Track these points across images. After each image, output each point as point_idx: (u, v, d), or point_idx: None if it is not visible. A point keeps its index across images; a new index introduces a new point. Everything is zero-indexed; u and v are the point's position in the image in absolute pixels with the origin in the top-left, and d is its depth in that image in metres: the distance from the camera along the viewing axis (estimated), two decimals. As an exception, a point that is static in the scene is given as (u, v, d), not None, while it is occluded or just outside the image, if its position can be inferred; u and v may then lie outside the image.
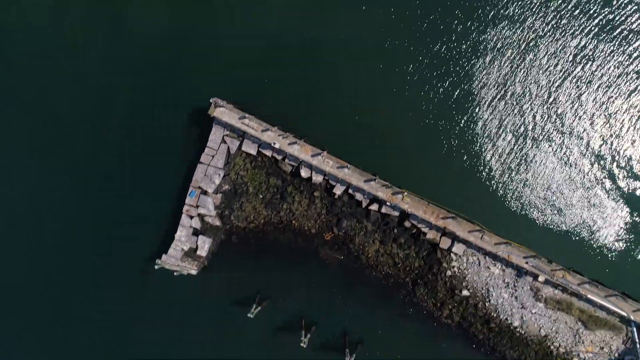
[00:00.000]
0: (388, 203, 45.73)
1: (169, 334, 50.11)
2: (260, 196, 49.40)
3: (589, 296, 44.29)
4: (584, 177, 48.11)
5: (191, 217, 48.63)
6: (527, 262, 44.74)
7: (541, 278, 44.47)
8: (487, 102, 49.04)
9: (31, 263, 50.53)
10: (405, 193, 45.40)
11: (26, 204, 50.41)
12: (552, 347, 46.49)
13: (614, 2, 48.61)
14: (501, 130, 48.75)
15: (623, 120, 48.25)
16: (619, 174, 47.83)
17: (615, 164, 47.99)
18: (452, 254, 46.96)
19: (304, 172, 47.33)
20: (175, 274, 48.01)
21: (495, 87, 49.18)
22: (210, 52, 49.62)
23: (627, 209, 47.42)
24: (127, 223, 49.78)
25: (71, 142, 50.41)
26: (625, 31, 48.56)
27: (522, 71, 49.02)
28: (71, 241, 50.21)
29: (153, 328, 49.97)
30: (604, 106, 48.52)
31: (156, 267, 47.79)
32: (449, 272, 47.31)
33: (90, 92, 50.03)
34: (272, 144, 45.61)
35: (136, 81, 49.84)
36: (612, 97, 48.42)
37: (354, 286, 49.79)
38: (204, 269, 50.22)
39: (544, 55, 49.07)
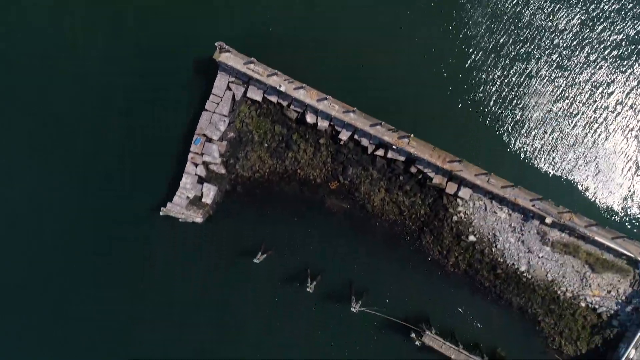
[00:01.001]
0: (394, 146, 45.55)
1: (175, 281, 50.01)
2: (266, 145, 49.20)
3: (596, 238, 44.15)
4: (589, 122, 47.97)
5: (196, 165, 48.44)
6: (533, 205, 44.59)
7: (548, 220, 44.30)
8: (492, 46, 48.77)
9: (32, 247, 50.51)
10: (412, 136, 45.21)
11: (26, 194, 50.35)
12: (559, 292, 46.38)
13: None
14: (506, 72, 48.52)
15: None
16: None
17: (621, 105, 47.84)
18: (458, 199, 46.80)
19: (310, 118, 47.15)
20: (180, 220, 47.78)
21: (502, 29, 48.99)
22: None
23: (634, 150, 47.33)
24: (131, 171, 49.61)
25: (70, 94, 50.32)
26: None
27: (528, 12, 48.85)
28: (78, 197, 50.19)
29: (160, 275, 49.93)
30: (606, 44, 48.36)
31: (161, 213, 47.55)
32: (455, 218, 47.15)
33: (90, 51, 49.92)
34: (278, 87, 45.38)
35: (141, 29, 49.61)
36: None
37: (360, 236, 49.62)
38: (209, 218, 50.01)
39: None
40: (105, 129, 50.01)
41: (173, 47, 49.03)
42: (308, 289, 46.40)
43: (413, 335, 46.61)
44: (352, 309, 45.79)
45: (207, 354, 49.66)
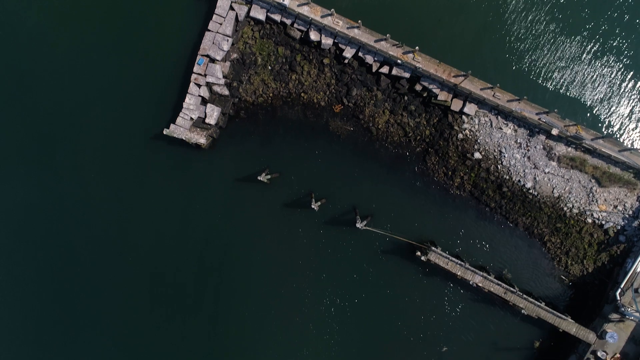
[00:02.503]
0: (399, 61, 45.17)
1: (181, 207, 49.78)
2: (269, 68, 48.85)
3: (602, 150, 43.82)
4: (595, 36, 47.52)
5: (199, 86, 48.11)
6: (539, 118, 44.24)
7: (554, 131, 43.97)
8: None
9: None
10: (417, 49, 44.83)
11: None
12: (565, 209, 46.08)
13: None
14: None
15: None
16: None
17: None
18: (463, 116, 46.47)
19: (314, 35, 46.79)
20: (184, 139, 47.53)
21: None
22: None
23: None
24: (134, 93, 49.30)
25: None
26: None
27: None
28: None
29: (164, 199, 49.71)
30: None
31: (165, 132, 47.28)
32: (460, 136, 46.83)
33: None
34: (282, 0, 45.00)
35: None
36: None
37: (364, 159, 49.32)
38: (213, 143, 49.70)
39: None
40: (107, 49, 49.48)
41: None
42: (313, 207, 46.13)
43: (418, 253, 46.28)
44: (357, 226, 45.48)
45: (213, 273, 49.45)
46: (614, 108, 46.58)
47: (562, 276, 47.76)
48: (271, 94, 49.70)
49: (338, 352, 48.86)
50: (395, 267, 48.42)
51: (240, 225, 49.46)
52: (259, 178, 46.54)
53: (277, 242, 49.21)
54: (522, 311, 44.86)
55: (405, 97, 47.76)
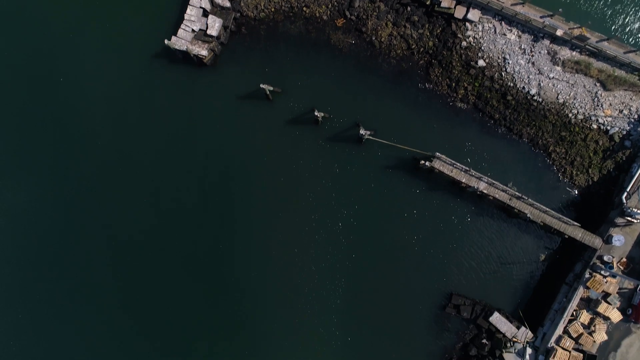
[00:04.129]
0: (403, -36, 44.83)
1: (184, 123, 49.36)
2: (271, -20, 48.50)
3: (607, 52, 43.48)
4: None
5: (200, -2, 47.74)
6: (544, 21, 43.89)
7: (559, 32, 43.60)
8: None
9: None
10: (420, -48, 44.48)
11: None
12: (570, 115, 45.72)
13: None
14: None
15: None
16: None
17: None
18: (467, 23, 46.14)
19: (316, -57, 46.43)
20: (186, 49, 47.14)
21: None
22: None
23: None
24: (136, 5, 48.92)
25: None
26: None
27: None
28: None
29: (167, 119, 49.34)
30: None
31: (165, 42, 46.90)
32: (464, 44, 46.48)
33: None
34: None
35: None
36: None
37: (367, 74, 48.98)
38: (215, 59, 49.30)
39: None
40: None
41: None
42: (317, 116, 45.79)
43: (422, 161, 45.87)
44: (361, 132, 45.14)
45: (215, 192, 49.03)
46: (619, 8, 46.11)
47: (567, 188, 47.38)
48: (273, 9, 49.34)
49: (344, 265, 48.36)
50: (400, 181, 48.03)
51: (242, 142, 49.02)
52: (261, 86, 46.11)
53: (281, 157, 48.77)
54: (528, 215, 44.42)
55: (408, 8, 47.43)
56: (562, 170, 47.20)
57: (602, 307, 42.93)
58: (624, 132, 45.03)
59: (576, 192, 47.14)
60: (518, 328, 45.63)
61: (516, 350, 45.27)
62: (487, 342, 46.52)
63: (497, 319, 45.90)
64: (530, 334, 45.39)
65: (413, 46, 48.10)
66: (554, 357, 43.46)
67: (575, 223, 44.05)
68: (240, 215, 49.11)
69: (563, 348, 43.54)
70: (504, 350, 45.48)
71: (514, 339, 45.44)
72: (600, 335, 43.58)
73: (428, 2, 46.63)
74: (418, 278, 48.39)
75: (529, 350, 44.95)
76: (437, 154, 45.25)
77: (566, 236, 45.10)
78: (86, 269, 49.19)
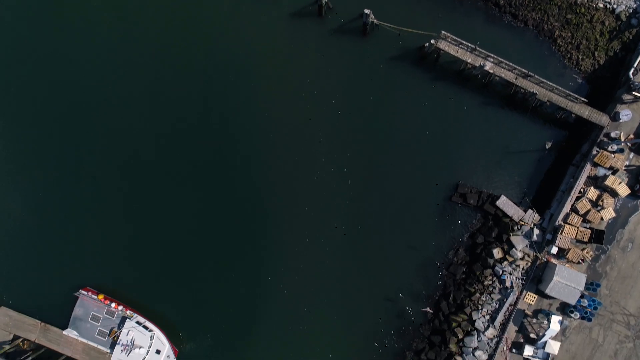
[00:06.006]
0: None
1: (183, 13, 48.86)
2: None
3: None
4: None
5: None
6: None
7: None
8: None
9: None
10: None
11: None
12: (576, -4, 45.28)
13: None
14: None
15: None
16: None
17: None
18: None
19: None
20: None
21: None
22: None
23: None
24: None
25: None
26: None
27: None
28: None
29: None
30: None
31: None
32: None
33: None
34: None
35: None
36: None
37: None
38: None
39: None
40: None
41: None
42: (321, 3, 45.27)
43: (427, 43, 45.48)
44: (365, 11, 44.59)
45: (217, 90, 48.58)
46: None
47: (573, 75, 47.08)
48: None
49: (349, 158, 48.10)
50: (404, 72, 48.20)
51: (243, 38, 48.44)
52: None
53: (283, 50, 48.26)
54: (534, 93, 44.07)
55: None
56: (568, 56, 46.88)
57: (610, 180, 42.69)
58: (631, 10, 44.71)
59: (582, 78, 46.83)
60: (525, 211, 45.40)
61: (523, 233, 45.08)
62: (494, 227, 46.31)
63: (504, 202, 45.67)
64: (537, 216, 45.19)
65: None
66: (561, 233, 43.26)
67: (583, 99, 43.74)
68: (243, 113, 48.68)
69: (571, 224, 43.32)
70: (511, 234, 45.29)
71: (521, 222, 45.25)
72: (608, 212, 43.37)
73: None
74: (423, 170, 48.19)
75: (536, 231, 44.75)
76: (442, 32, 44.70)
77: (573, 115, 44.83)
78: (93, 180, 49.05)
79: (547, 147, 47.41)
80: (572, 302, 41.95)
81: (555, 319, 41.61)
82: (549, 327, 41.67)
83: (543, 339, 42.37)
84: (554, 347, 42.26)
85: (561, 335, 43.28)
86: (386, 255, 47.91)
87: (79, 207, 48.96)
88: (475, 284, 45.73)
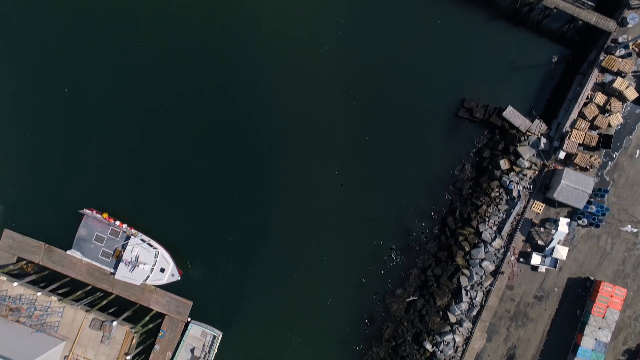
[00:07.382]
0: None
1: None
2: None
3: None
4: None
5: None
6: None
7: None
8: None
9: None
10: None
11: None
12: None
13: None
14: None
15: None
16: None
17: None
18: None
19: None
20: None
21: None
22: None
23: None
24: None
25: None
26: None
27: None
28: None
29: None
30: None
31: None
32: None
33: None
34: None
35: None
36: None
37: None
38: None
39: None
40: None
41: None
42: None
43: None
44: None
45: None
46: None
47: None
48: None
49: (357, 77, 47.68)
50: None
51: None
52: None
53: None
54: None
55: None
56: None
57: (618, 82, 42.22)
58: None
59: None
60: (532, 121, 44.98)
61: (530, 143, 44.68)
62: (500, 140, 45.88)
63: (510, 112, 45.22)
64: (544, 126, 44.77)
65: None
66: (569, 138, 42.87)
67: (590, 2, 43.18)
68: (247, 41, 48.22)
69: (578, 129, 42.92)
70: (518, 145, 44.88)
71: (528, 132, 44.83)
72: (616, 118, 42.97)
73: None
74: (428, 87, 47.69)
75: (543, 140, 44.35)
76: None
77: (580, 23, 44.28)
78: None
79: (554, 60, 46.92)
80: (580, 206, 41.64)
81: (564, 221, 41.33)
82: (557, 230, 41.34)
83: (551, 244, 42.08)
84: (561, 252, 41.97)
85: (569, 243, 42.98)
86: (392, 173, 47.53)
87: (83, 128, 48.42)
88: (482, 197, 45.38)
